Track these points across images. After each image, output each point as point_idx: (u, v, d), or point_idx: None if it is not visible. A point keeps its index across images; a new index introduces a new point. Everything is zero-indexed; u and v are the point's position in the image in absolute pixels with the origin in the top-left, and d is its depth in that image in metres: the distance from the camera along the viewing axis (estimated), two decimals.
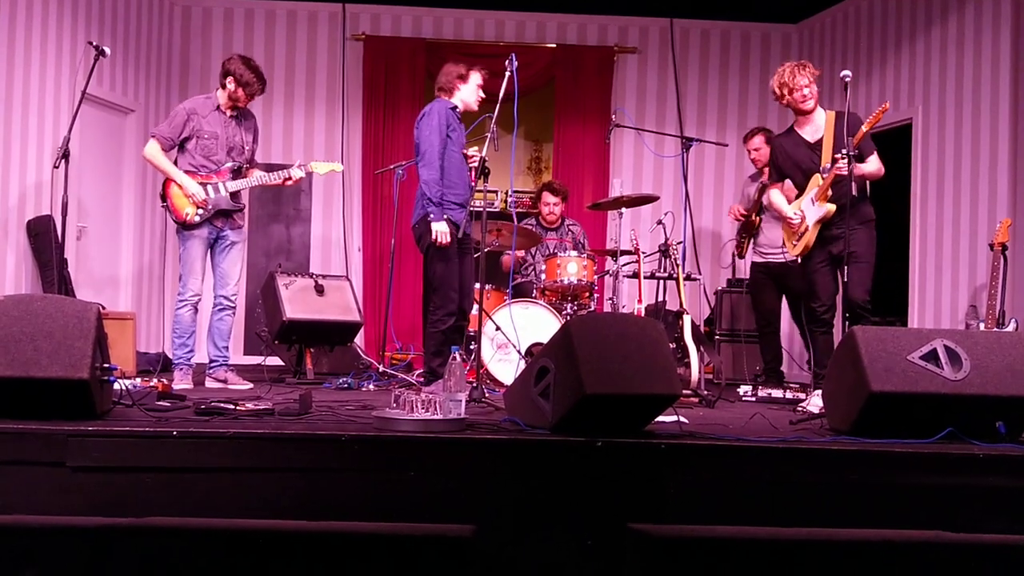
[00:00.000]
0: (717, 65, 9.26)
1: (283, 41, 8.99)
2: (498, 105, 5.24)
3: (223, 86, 5.74)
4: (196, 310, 5.76)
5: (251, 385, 5.74)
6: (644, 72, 9.21)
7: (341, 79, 8.91)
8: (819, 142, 5.53)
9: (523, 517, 3.52)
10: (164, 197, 5.72)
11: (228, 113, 5.78)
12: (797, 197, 5.66)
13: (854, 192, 5.37)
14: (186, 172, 5.68)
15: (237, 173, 5.81)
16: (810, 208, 5.48)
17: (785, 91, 5.52)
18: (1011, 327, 5.91)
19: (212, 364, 5.82)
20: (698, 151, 8.45)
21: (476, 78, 5.78)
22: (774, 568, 3.31)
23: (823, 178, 5.40)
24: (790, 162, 5.65)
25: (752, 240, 7.23)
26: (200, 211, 5.64)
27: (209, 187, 5.69)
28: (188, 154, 5.73)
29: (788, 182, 5.75)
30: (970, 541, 3.36)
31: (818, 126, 5.58)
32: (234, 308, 5.92)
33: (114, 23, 7.80)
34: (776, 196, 5.79)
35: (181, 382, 5.56)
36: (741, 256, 7.52)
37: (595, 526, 3.49)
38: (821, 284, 5.53)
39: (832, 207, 5.36)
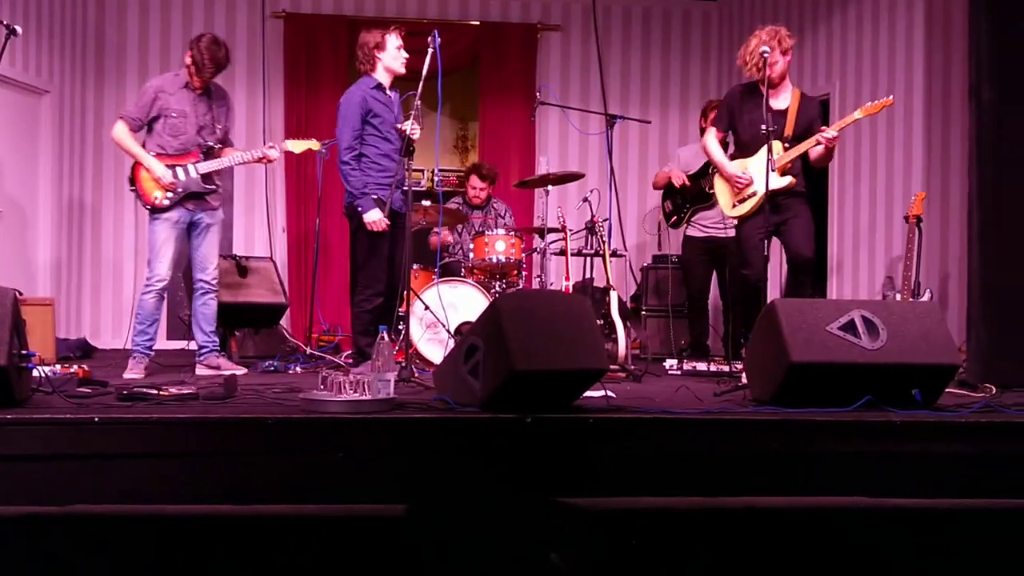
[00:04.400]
0: (639, 42, 9.31)
1: (201, 19, 8.79)
2: (421, 83, 5.19)
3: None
4: (162, 297, 5.54)
5: (245, 370, 5.55)
6: (568, 49, 9.23)
7: (262, 57, 8.75)
8: (783, 111, 5.50)
9: (454, 495, 3.54)
10: (132, 181, 5.47)
11: (198, 91, 5.52)
12: (736, 156, 5.69)
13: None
14: (155, 154, 5.44)
15: (209, 153, 5.54)
16: (763, 175, 5.32)
17: (757, 66, 5.43)
18: (926, 297, 6.08)
19: (202, 351, 5.62)
20: (622, 128, 8.50)
21: (393, 40, 5.61)
22: (700, 537, 3.38)
23: (784, 149, 5.40)
24: (747, 116, 5.56)
25: (695, 211, 7.19)
26: (169, 194, 5.41)
27: (178, 169, 5.44)
28: (156, 134, 5.49)
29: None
30: (888, 506, 3.47)
31: (786, 96, 5.58)
32: (216, 291, 5.68)
33: (26, 1, 7.56)
34: (714, 144, 5.73)
35: (132, 372, 5.32)
36: (677, 226, 7.39)
37: (526, 502, 3.51)
38: (756, 252, 5.47)
39: (793, 180, 5.39)
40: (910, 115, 6.79)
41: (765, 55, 5.33)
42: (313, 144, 5.94)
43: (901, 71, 6.90)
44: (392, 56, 5.61)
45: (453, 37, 8.57)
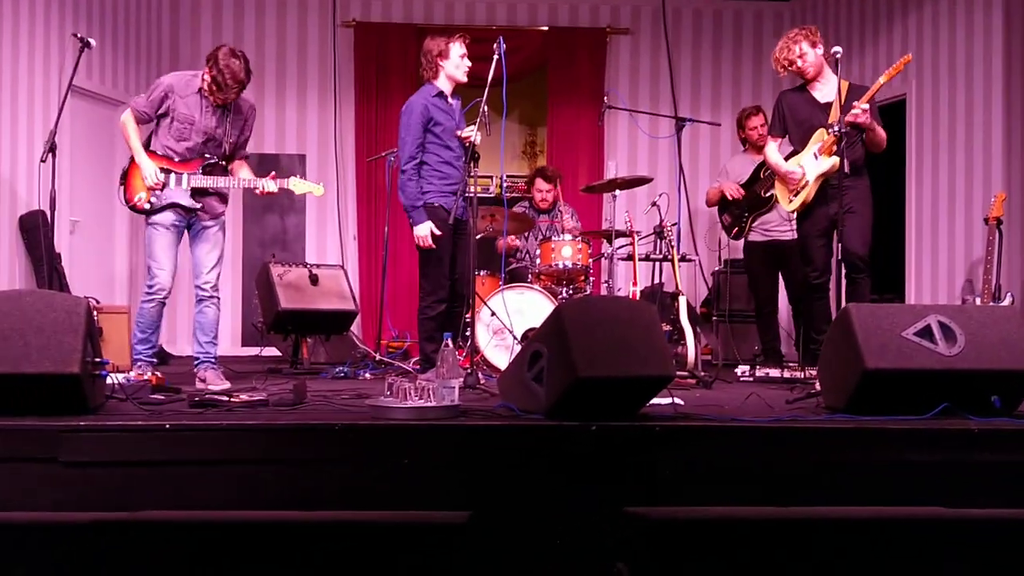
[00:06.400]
0: (710, 44, 9.21)
1: (273, 29, 8.95)
2: (486, 90, 5.19)
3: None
4: (163, 305, 5.21)
5: (228, 384, 5.13)
6: (637, 53, 9.16)
7: (332, 67, 8.87)
8: (829, 104, 5.45)
9: (518, 503, 3.52)
10: (124, 175, 5.24)
11: (212, 99, 5.20)
12: (793, 154, 5.64)
13: (855, 156, 5.34)
14: (157, 153, 5.19)
15: (211, 168, 5.25)
16: (812, 162, 5.43)
17: (785, 64, 5.50)
18: (1007, 301, 5.89)
19: (196, 362, 5.29)
20: (692, 131, 8.41)
21: (456, 48, 5.59)
22: (772, 548, 3.31)
23: (828, 133, 5.31)
24: (797, 115, 5.60)
25: (755, 218, 7.06)
26: (154, 197, 5.14)
27: (172, 175, 5.17)
28: (161, 132, 5.23)
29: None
30: (967, 517, 3.36)
31: (830, 90, 5.50)
32: (215, 298, 5.31)
33: (102, 14, 7.76)
34: (773, 151, 5.74)
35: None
36: (738, 237, 7.32)
37: (591, 510, 3.48)
38: (815, 249, 5.50)
39: (836, 160, 5.25)
40: (989, 115, 6.60)
41: (837, 55, 5.23)
42: (316, 190, 5.51)
43: (979, 70, 6.71)
44: (455, 64, 5.59)
45: (521, 43, 8.59)
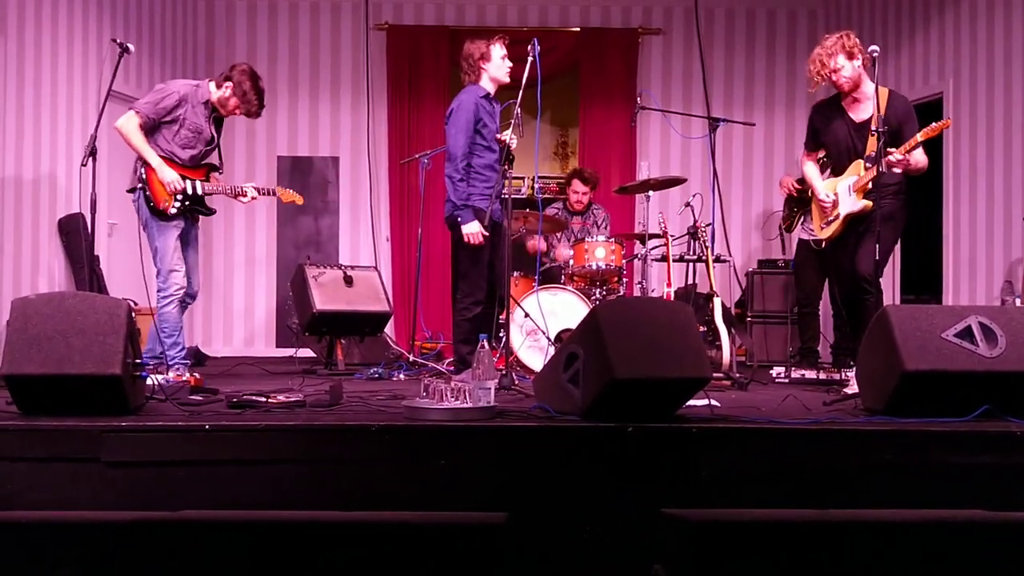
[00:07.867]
0: (743, 44, 9.16)
1: (307, 33, 9.00)
2: (521, 91, 5.18)
3: (219, 86, 5.42)
4: (182, 304, 5.49)
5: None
6: (669, 53, 9.14)
7: (365, 70, 8.90)
8: (865, 123, 5.22)
9: (555, 504, 3.52)
10: (144, 180, 5.32)
11: (214, 114, 5.46)
12: (829, 174, 5.55)
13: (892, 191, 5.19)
14: (164, 159, 5.34)
15: (211, 175, 5.55)
16: (847, 198, 5.24)
17: (819, 79, 5.28)
18: None
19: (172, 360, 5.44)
20: (726, 131, 8.37)
21: (498, 50, 5.60)
22: (810, 550, 3.29)
23: (865, 168, 5.11)
24: (830, 136, 5.41)
25: (804, 215, 7.02)
26: (177, 201, 5.33)
27: (188, 182, 5.38)
28: (161, 138, 5.35)
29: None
30: (1009, 519, 3.32)
31: (868, 104, 5.24)
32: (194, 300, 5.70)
33: (139, 19, 7.85)
34: (810, 169, 5.60)
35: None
36: (789, 230, 7.32)
37: (628, 512, 3.47)
38: (842, 268, 5.41)
39: (869, 204, 5.10)
40: None
41: (875, 54, 5.13)
42: (297, 199, 5.93)
43: (1018, 67, 6.64)
44: (497, 66, 5.60)
45: (553, 44, 8.58)
